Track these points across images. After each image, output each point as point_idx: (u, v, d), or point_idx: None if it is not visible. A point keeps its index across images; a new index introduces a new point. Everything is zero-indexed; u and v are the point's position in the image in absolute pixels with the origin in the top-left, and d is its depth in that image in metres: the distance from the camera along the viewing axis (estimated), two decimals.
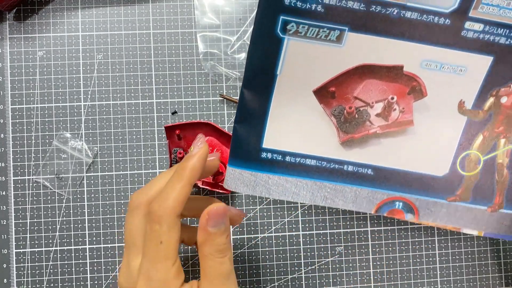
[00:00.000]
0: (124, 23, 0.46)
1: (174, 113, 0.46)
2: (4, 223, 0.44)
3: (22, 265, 0.44)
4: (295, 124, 0.28)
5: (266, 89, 0.26)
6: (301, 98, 0.27)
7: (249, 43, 0.25)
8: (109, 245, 0.44)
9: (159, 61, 0.46)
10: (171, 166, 0.43)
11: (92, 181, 0.45)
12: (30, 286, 0.43)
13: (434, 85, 0.27)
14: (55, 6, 0.46)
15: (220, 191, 0.44)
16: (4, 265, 0.44)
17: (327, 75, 0.26)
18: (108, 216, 0.44)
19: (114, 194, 0.45)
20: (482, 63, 0.27)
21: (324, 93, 0.27)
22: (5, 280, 0.43)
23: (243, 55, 0.46)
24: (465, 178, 0.29)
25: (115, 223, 0.44)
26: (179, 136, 0.44)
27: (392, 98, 0.27)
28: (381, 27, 0.25)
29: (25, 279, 0.43)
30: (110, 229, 0.44)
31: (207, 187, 0.44)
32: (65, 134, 0.45)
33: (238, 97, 0.46)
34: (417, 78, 0.27)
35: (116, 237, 0.44)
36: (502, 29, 0.26)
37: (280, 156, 0.28)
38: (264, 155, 0.28)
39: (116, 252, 0.44)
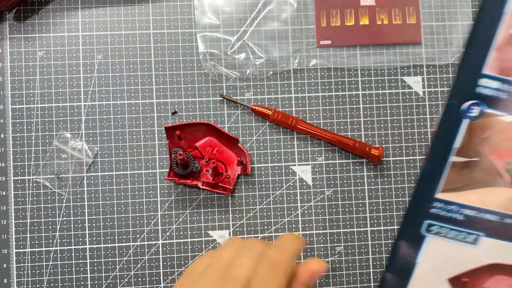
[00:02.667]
0: (124, 23, 0.46)
1: (174, 113, 0.46)
2: (4, 223, 0.44)
3: (22, 265, 0.44)
4: None
5: (407, 274, 0.31)
6: (437, 283, 0.31)
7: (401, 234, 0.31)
8: (109, 245, 0.44)
9: (159, 61, 0.46)
10: (171, 166, 0.43)
11: (92, 181, 0.45)
12: (30, 286, 0.43)
13: None
14: (55, 6, 0.46)
15: (220, 191, 0.44)
16: (4, 265, 0.44)
17: (460, 268, 0.30)
18: (108, 216, 0.44)
19: (114, 194, 0.45)
20: None
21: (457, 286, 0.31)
22: (5, 280, 0.43)
23: (243, 55, 0.46)
24: None
25: (115, 223, 0.44)
26: (179, 136, 0.44)
27: None
28: None
29: (25, 279, 0.43)
30: (110, 229, 0.44)
31: (207, 188, 0.44)
32: (65, 134, 0.45)
33: (238, 98, 0.46)
34: None
35: (116, 237, 0.44)
36: None
37: None
38: None
39: (116, 252, 0.44)
